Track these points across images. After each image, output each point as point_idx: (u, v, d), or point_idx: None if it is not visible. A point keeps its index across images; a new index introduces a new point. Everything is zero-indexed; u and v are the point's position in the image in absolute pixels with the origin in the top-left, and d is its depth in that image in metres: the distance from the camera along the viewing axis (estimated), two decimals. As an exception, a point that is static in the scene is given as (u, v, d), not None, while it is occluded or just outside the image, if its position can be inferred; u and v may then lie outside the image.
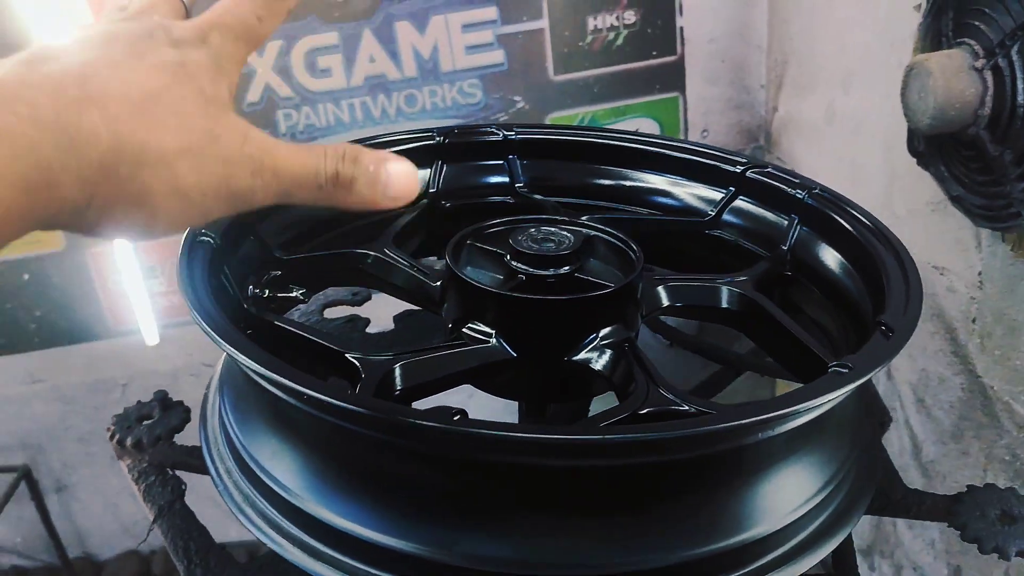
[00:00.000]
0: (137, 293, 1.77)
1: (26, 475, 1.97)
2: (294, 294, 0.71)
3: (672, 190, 0.84)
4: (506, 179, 0.87)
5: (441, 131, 0.86)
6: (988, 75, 0.93)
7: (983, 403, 1.17)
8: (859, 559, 1.59)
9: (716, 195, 0.81)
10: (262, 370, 0.49)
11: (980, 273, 1.13)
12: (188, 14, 0.47)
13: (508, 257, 0.66)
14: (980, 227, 1.06)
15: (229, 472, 0.60)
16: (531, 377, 0.64)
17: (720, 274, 0.71)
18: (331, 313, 1.01)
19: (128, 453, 0.78)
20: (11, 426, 1.95)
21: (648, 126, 1.78)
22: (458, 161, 0.86)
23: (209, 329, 0.53)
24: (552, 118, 1.74)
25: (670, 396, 0.55)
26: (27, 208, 0.34)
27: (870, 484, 0.61)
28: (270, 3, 0.46)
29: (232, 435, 0.61)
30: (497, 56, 1.69)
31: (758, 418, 0.47)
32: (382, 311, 1.01)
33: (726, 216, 0.80)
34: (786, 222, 0.76)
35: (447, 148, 0.86)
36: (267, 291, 0.70)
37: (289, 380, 0.48)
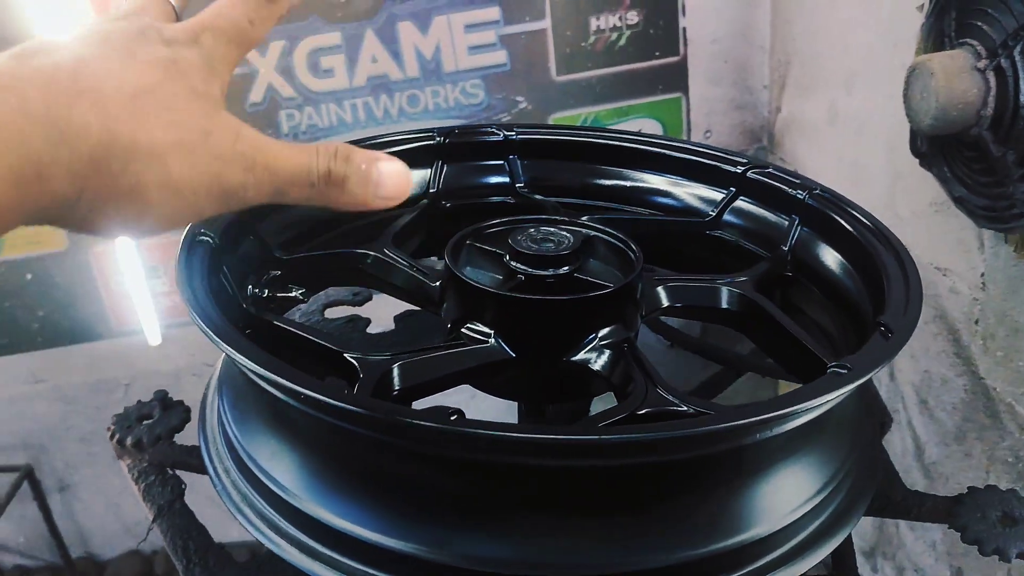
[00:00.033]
0: (139, 293, 1.77)
1: (28, 475, 1.97)
2: (293, 294, 0.71)
3: (673, 190, 0.84)
4: (506, 179, 0.87)
5: (441, 131, 0.86)
6: (991, 75, 0.92)
7: (986, 405, 1.17)
8: (862, 560, 1.59)
9: (717, 195, 0.81)
10: (258, 369, 0.49)
11: (983, 274, 1.12)
12: (178, 18, 0.47)
13: (507, 257, 0.65)
14: (983, 228, 1.06)
15: (227, 472, 0.60)
16: (530, 377, 0.64)
17: (720, 275, 0.70)
18: (332, 313, 1.01)
19: (128, 453, 0.78)
20: (14, 426, 1.95)
21: (651, 127, 1.78)
22: (458, 161, 0.86)
23: (206, 327, 0.53)
24: (555, 118, 1.74)
25: (669, 396, 0.55)
26: (16, 201, 0.34)
27: (870, 485, 0.61)
28: (262, 8, 0.46)
29: (230, 435, 0.60)
30: (499, 56, 1.69)
31: (756, 419, 0.47)
32: (383, 311, 1.01)
33: (727, 216, 0.80)
34: (787, 222, 0.76)
35: (447, 148, 0.86)
36: (266, 291, 0.70)
37: (285, 379, 0.48)
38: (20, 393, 1.89)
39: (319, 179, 0.43)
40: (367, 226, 0.80)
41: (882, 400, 0.82)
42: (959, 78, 0.93)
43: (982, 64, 0.92)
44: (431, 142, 0.85)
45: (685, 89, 1.77)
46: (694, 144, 0.83)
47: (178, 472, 0.77)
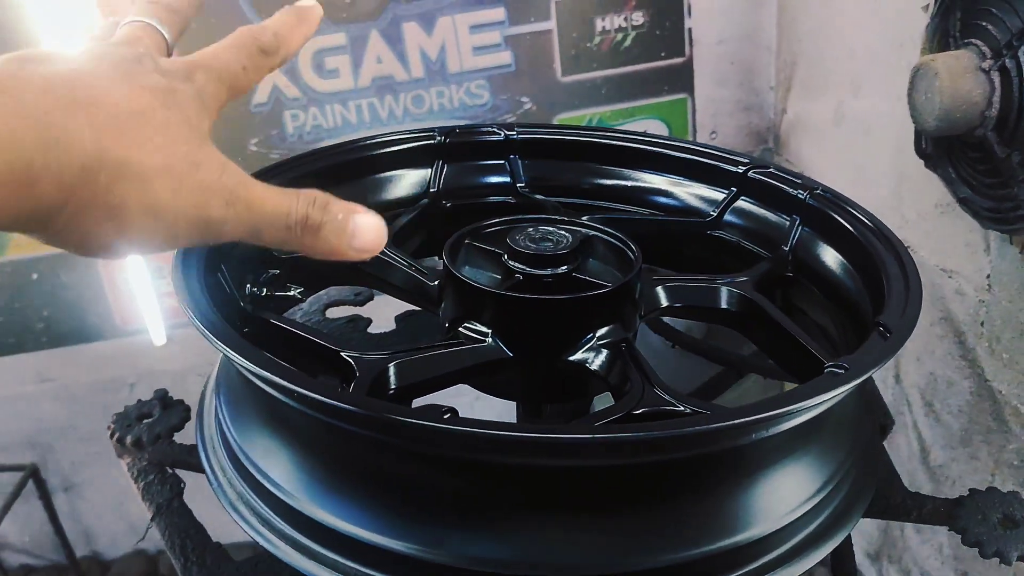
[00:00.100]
0: (145, 293, 1.77)
1: (34, 474, 1.98)
2: (292, 293, 0.71)
3: (674, 190, 0.84)
4: (507, 179, 0.87)
5: (442, 131, 0.86)
6: (995, 76, 0.92)
7: (992, 407, 1.16)
8: (867, 564, 1.58)
9: (718, 195, 0.81)
10: (250, 365, 0.49)
11: (989, 276, 1.12)
12: (169, 50, 0.48)
13: (506, 257, 0.65)
14: (988, 229, 1.05)
15: (224, 470, 0.60)
16: (527, 377, 0.64)
17: (720, 275, 0.70)
18: (333, 313, 1.01)
19: (128, 451, 0.78)
20: (19, 425, 1.96)
21: (656, 128, 1.78)
22: (459, 161, 0.86)
23: (199, 324, 0.53)
24: (560, 119, 1.74)
25: (665, 396, 0.55)
26: (2, 202, 0.34)
27: (869, 486, 0.60)
28: (255, 57, 0.47)
29: (227, 433, 0.60)
30: (504, 57, 1.68)
31: (751, 418, 0.46)
32: (384, 311, 1.01)
33: (728, 216, 0.80)
34: (787, 223, 0.76)
35: (448, 148, 0.86)
36: (265, 290, 0.70)
37: (278, 377, 0.48)
38: (25, 392, 1.89)
39: (295, 224, 0.43)
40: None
41: (884, 401, 0.81)
42: (963, 79, 0.92)
43: (987, 64, 0.92)
44: (431, 141, 0.85)
45: (691, 90, 1.76)
46: (695, 144, 0.83)
47: (178, 471, 0.77)
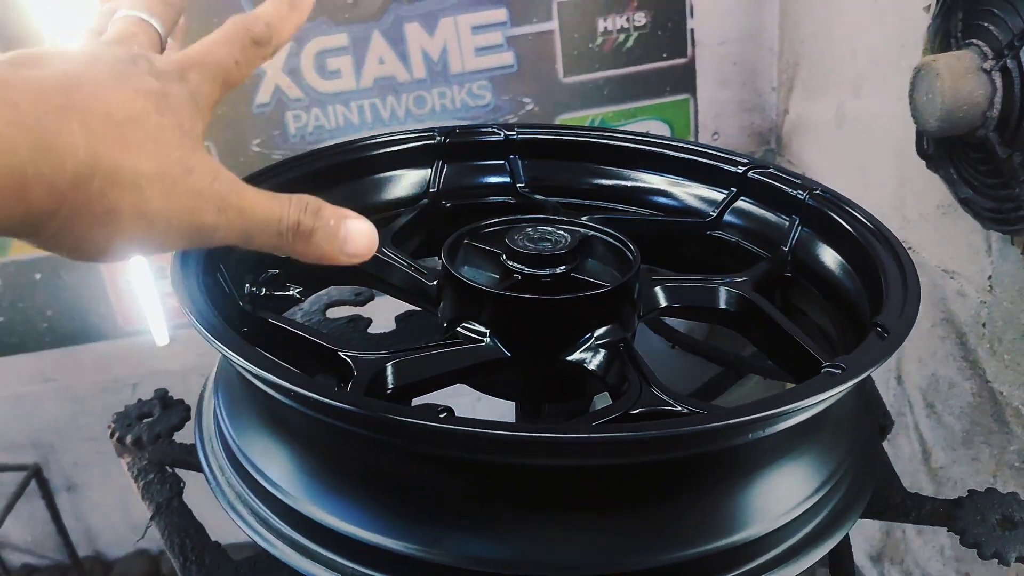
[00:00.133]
0: (147, 294, 1.78)
1: (36, 474, 1.98)
2: (291, 293, 0.71)
3: (674, 191, 0.84)
4: (507, 179, 0.87)
5: (442, 131, 0.86)
6: (997, 76, 0.92)
7: (993, 409, 1.16)
8: (869, 566, 1.58)
9: (717, 196, 0.81)
10: (246, 364, 0.49)
11: (990, 277, 1.11)
12: (163, 46, 0.48)
13: (504, 257, 0.65)
14: (989, 230, 1.05)
15: (222, 469, 0.60)
16: (525, 376, 0.64)
17: (720, 275, 0.70)
18: (334, 313, 1.01)
19: (128, 451, 0.78)
20: (22, 425, 1.96)
21: (658, 128, 1.78)
22: (459, 161, 0.86)
23: (198, 324, 0.53)
24: (562, 120, 1.74)
25: (663, 396, 0.54)
26: None
27: (868, 486, 0.60)
28: (248, 50, 0.47)
29: (225, 433, 0.61)
30: (506, 58, 1.69)
31: (747, 419, 0.46)
32: (385, 312, 1.01)
33: (727, 217, 0.80)
34: (787, 223, 0.76)
35: (448, 148, 0.86)
36: (264, 290, 0.70)
37: (274, 375, 0.48)
38: (28, 392, 1.90)
39: (287, 229, 0.44)
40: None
41: (883, 402, 0.81)
42: (965, 79, 0.92)
43: (988, 65, 0.92)
44: (431, 141, 0.85)
45: (693, 91, 1.76)
46: (695, 144, 0.83)
47: (178, 471, 0.77)
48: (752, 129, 1.81)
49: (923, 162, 1.09)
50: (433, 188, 0.85)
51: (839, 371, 0.50)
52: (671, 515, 0.51)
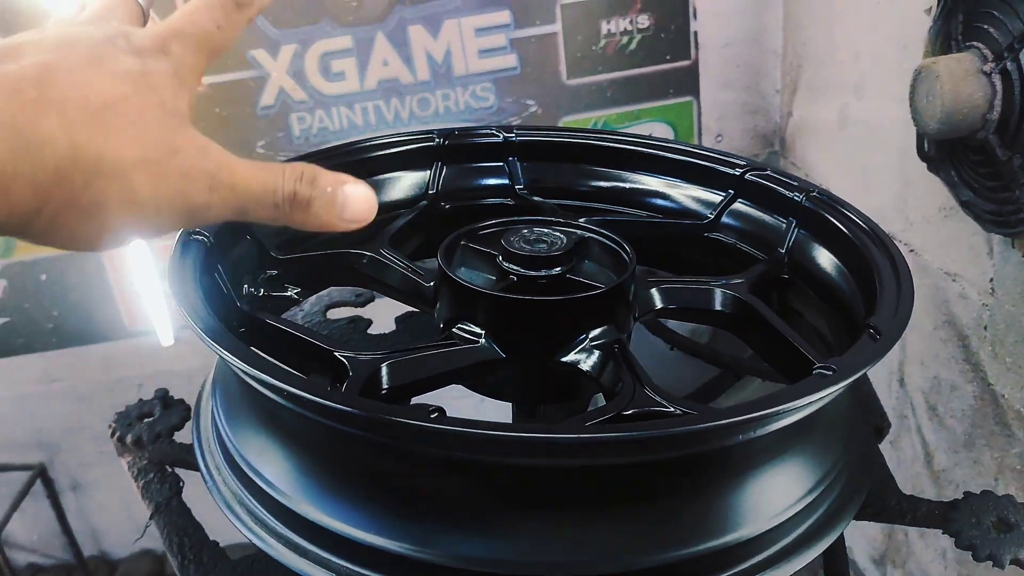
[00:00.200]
0: (152, 295, 1.79)
1: (42, 473, 1.99)
2: (289, 294, 0.71)
3: (672, 193, 0.84)
4: (506, 181, 0.87)
5: (441, 133, 0.86)
6: (997, 79, 0.92)
7: (995, 411, 1.16)
8: (872, 568, 1.58)
9: (715, 198, 0.81)
10: (240, 363, 0.49)
11: (992, 280, 1.11)
12: (145, 18, 0.47)
13: (500, 258, 0.65)
14: (990, 233, 1.05)
15: (218, 469, 0.61)
16: (519, 377, 0.64)
17: (716, 277, 0.70)
18: (334, 314, 1.01)
19: (128, 450, 0.78)
20: (28, 425, 1.97)
21: (662, 130, 1.78)
22: (458, 163, 0.86)
23: (194, 324, 0.53)
24: (565, 122, 1.74)
25: (656, 397, 0.55)
26: None
27: (862, 488, 0.60)
28: (230, 13, 0.45)
29: (222, 432, 0.61)
30: (510, 60, 1.69)
31: (737, 419, 0.46)
32: (385, 313, 1.01)
33: (725, 219, 0.80)
34: (784, 225, 0.76)
35: (447, 150, 0.86)
36: (262, 290, 0.71)
37: (266, 374, 0.48)
38: (34, 392, 1.91)
39: (283, 200, 0.42)
40: (365, 227, 0.80)
41: (880, 404, 0.81)
42: (965, 81, 0.92)
43: (988, 67, 0.92)
44: (430, 143, 0.85)
45: (696, 93, 1.76)
46: (693, 146, 0.83)
47: (178, 470, 0.77)
48: (756, 131, 1.81)
49: (925, 164, 1.09)
50: (432, 190, 0.86)
51: (830, 373, 0.50)
52: (663, 515, 0.51)
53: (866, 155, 1.42)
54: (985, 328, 1.14)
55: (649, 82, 1.74)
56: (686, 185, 0.83)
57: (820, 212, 0.72)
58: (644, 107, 1.76)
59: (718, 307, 0.69)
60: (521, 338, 0.62)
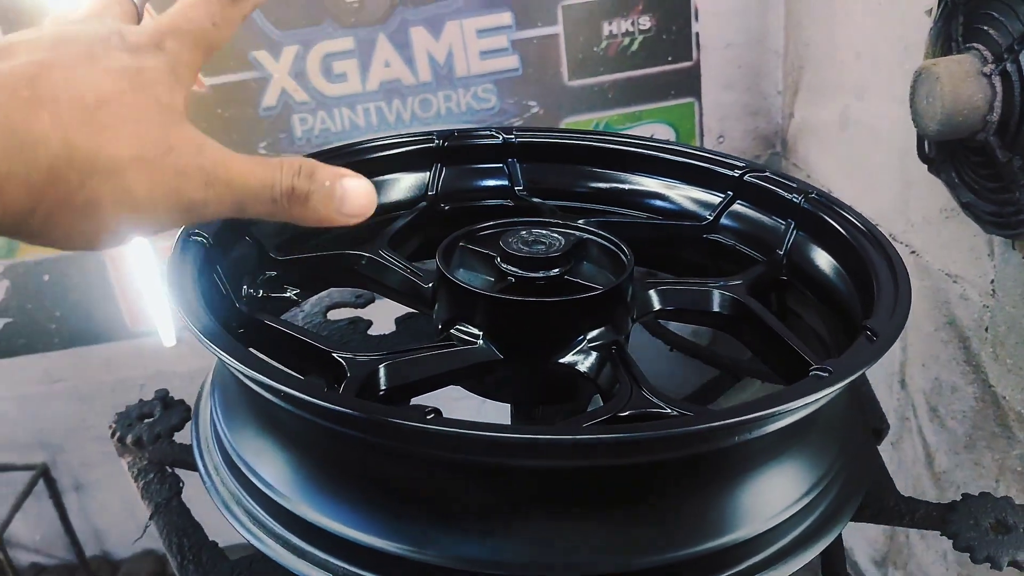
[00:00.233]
0: (155, 295, 1.79)
1: (44, 473, 2.00)
2: (288, 294, 0.71)
3: (671, 194, 0.84)
4: (505, 182, 0.87)
5: (440, 134, 0.86)
6: (997, 80, 0.91)
7: (996, 413, 1.16)
8: (873, 570, 1.58)
9: (714, 199, 0.81)
10: (236, 363, 0.49)
11: (993, 281, 1.11)
12: (140, 17, 0.47)
13: (498, 259, 0.66)
14: (991, 234, 1.05)
15: (216, 469, 0.61)
16: (517, 378, 0.64)
17: (715, 278, 0.70)
18: (335, 315, 1.01)
19: (128, 450, 0.79)
20: (30, 425, 1.98)
21: (663, 132, 1.78)
22: (457, 164, 0.86)
23: (192, 324, 0.53)
24: (567, 123, 1.74)
25: (653, 399, 0.55)
26: None
27: (859, 489, 0.60)
28: (226, 8, 0.45)
29: (221, 433, 0.61)
30: (512, 61, 1.69)
31: (733, 421, 0.47)
32: (386, 314, 1.02)
33: (724, 220, 0.80)
34: (782, 226, 0.76)
35: (446, 151, 0.86)
36: (261, 291, 0.71)
37: (263, 375, 0.48)
38: (37, 392, 1.91)
39: (281, 195, 0.41)
40: (364, 228, 0.80)
41: (879, 405, 0.81)
42: (965, 83, 0.92)
43: (988, 69, 0.92)
44: (430, 145, 0.85)
45: (698, 94, 1.76)
46: (692, 148, 0.83)
47: (178, 471, 0.78)
48: (757, 132, 1.81)
49: (925, 165, 1.09)
50: (432, 191, 0.86)
51: (827, 374, 0.51)
52: (661, 517, 0.52)
53: (867, 156, 1.42)
54: (986, 329, 1.14)
55: (651, 83, 1.74)
56: (685, 187, 0.83)
57: (818, 214, 0.72)
58: (646, 108, 1.75)
59: (716, 308, 0.69)
60: (519, 339, 0.62)
